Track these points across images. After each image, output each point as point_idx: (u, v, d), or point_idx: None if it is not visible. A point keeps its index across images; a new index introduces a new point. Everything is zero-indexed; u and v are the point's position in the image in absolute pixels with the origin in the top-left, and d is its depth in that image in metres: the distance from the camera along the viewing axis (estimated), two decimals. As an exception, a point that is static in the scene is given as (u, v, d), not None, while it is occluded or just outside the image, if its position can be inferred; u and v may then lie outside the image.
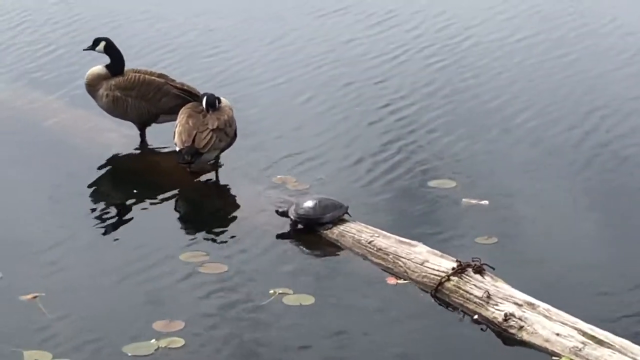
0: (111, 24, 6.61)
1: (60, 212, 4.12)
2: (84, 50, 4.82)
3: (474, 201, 4.01)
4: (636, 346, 3.20)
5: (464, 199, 4.04)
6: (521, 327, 3.29)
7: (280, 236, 3.90)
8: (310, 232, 3.88)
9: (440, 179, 4.36)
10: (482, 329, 3.31)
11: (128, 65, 4.77)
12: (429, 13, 6.76)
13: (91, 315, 3.40)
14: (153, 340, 3.11)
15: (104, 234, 4.01)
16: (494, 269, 3.43)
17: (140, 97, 4.47)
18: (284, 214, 3.88)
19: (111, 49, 4.55)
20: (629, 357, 3.21)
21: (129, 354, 3.08)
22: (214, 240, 3.90)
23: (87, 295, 3.55)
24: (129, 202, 4.27)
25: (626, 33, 6.37)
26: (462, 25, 6.52)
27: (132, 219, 4.14)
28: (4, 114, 4.96)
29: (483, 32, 6.37)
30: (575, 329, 3.25)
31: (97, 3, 7.15)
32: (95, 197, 4.30)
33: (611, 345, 3.21)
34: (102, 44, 4.56)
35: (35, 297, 3.36)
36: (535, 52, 6.02)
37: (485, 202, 4.01)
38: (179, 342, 3.15)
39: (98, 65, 4.71)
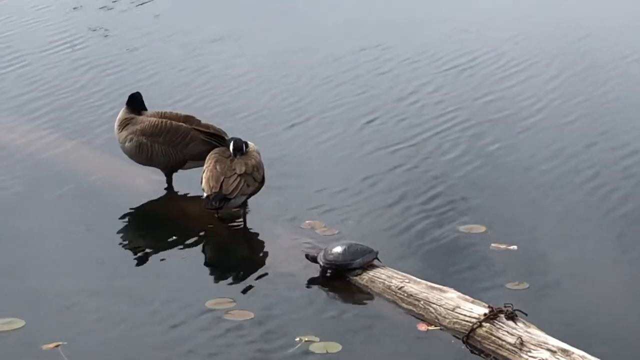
0: (137, 65, 6.48)
1: (87, 258, 4.08)
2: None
3: (503, 246, 3.97)
4: None
5: (493, 244, 3.99)
6: None
7: (309, 282, 3.84)
8: (340, 278, 3.83)
9: (470, 224, 4.30)
10: None
11: (153, 104, 4.67)
12: (456, 54, 6.58)
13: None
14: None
15: (131, 279, 3.95)
16: (526, 314, 3.38)
17: (167, 143, 4.35)
18: (313, 259, 3.84)
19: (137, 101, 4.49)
20: None
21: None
22: (241, 287, 3.85)
23: (111, 343, 3.53)
24: (156, 247, 4.23)
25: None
26: (491, 68, 6.38)
27: (158, 264, 4.11)
28: (29, 158, 4.92)
29: (512, 76, 6.20)
30: None
31: (121, 44, 6.98)
32: (122, 243, 4.26)
33: None
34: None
35: (57, 345, 3.36)
36: (566, 98, 5.89)
37: (514, 247, 3.98)
38: (205, 390, 3.05)
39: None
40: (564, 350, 3.27)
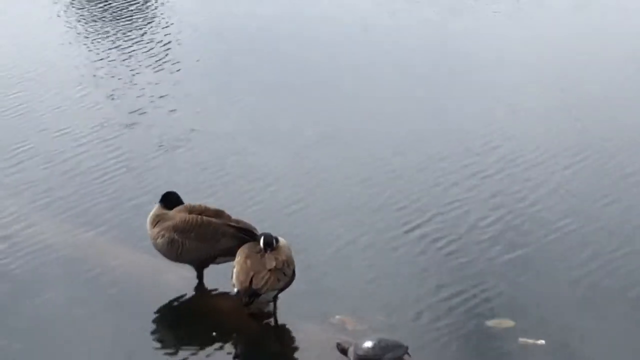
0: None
1: (118, 354, 3.95)
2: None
3: (530, 341, 3.85)
4: None
5: (520, 339, 3.87)
6: None
7: None
8: None
9: (498, 318, 4.14)
10: None
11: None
12: (473, 137, 6.32)
13: None
14: None
15: None
16: None
17: (199, 239, 4.19)
18: (344, 351, 3.72)
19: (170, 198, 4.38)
20: None
21: None
22: None
23: None
24: (186, 343, 4.07)
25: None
26: (511, 149, 6.09)
27: None
28: (63, 254, 4.78)
29: (535, 158, 5.94)
30: None
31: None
32: (153, 338, 4.11)
33: None
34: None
35: None
36: (593, 188, 5.61)
37: (542, 341, 3.86)
38: None
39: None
40: None
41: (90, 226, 5.13)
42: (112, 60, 8.63)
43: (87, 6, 11.66)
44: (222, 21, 9.97)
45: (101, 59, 8.60)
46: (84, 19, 10.90)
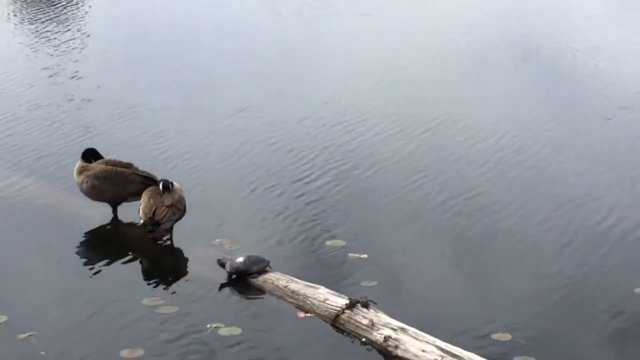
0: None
1: (52, 270, 4.75)
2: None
3: (357, 255, 4.71)
4: (480, 357, 3.81)
5: (349, 254, 4.76)
6: (396, 346, 3.88)
7: (220, 285, 4.46)
8: (242, 280, 4.50)
9: (334, 239, 5.06)
10: (367, 349, 3.93)
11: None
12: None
13: (69, 345, 4.00)
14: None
15: (83, 283, 4.66)
16: (376, 303, 4.05)
17: (114, 184, 5.04)
18: (222, 265, 4.50)
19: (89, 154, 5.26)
20: None
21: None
22: (168, 288, 4.51)
23: (68, 329, 4.16)
24: (103, 261, 4.87)
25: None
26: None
27: (105, 273, 4.77)
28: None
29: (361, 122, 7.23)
30: (435, 346, 3.84)
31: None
32: (77, 258, 4.95)
33: (461, 357, 3.78)
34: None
35: (30, 335, 3.96)
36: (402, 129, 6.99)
37: (365, 255, 4.76)
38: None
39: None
40: (402, 329, 3.92)
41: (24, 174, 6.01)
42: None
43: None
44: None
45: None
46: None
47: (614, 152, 6.68)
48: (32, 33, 10.64)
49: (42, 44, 10.07)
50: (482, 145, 6.77)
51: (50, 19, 11.28)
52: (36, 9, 11.95)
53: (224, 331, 3.99)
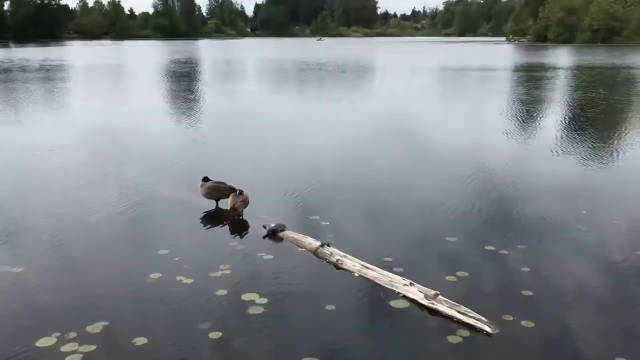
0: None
1: (191, 229, 7.63)
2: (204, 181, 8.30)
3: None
4: (376, 267, 5.95)
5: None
6: (342, 263, 6.22)
7: (263, 236, 7.21)
8: (274, 235, 7.18)
9: (313, 215, 8.01)
10: (328, 265, 6.14)
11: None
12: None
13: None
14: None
15: (206, 232, 7.57)
16: (330, 244, 6.50)
17: (215, 191, 8.10)
18: (264, 227, 7.10)
19: (205, 178, 8.14)
20: (378, 273, 6.00)
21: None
22: (240, 235, 7.64)
23: (198, 252, 6.67)
24: (213, 225, 7.88)
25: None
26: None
27: (214, 229, 7.73)
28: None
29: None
30: (359, 264, 6.16)
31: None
32: (200, 223, 7.99)
33: (369, 267, 6.03)
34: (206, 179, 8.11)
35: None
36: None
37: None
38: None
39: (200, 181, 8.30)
40: (344, 255, 6.25)
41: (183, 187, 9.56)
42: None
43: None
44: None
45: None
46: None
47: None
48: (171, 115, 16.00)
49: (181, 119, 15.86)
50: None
51: (184, 109, 18.13)
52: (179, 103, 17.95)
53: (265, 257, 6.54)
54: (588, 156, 11.95)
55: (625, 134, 14.92)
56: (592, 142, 13.61)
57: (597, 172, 10.72)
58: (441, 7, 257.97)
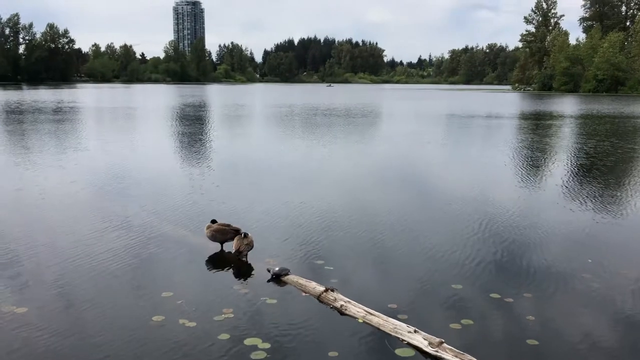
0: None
1: (196, 269, 7.75)
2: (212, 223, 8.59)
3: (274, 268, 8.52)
4: (382, 314, 5.85)
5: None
6: (346, 308, 6.16)
7: (267, 280, 7.23)
8: (277, 279, 7.12)
9: (319, 260, 8.18)
10: (332, 310, 6.06)
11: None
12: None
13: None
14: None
15: (211, 273, 7.56)
16: (336, 290, 6.53)
17: (221, 234, 8.37)
18: (269, 271, 7.14)
19: (212, 220, 8.63)
20: (382, 319, 5.93)
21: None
22: (245, 279, 7.67)
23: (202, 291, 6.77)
24: (218, 267, 7.89)
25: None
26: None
27: (218, 272, 7.72)
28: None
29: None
30: (364, 310, 6.10)
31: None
32: (204, 265, 8.08)
33: (374, 314, 5.92)
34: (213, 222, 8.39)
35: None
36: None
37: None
38: None
39: (209, 222, 8.70)
40: (348, 301, 6.23)
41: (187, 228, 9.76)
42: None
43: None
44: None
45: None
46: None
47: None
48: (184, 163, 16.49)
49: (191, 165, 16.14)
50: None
51: (194, 153, 18.61)
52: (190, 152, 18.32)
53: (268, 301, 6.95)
54: (598, 205, 12.11)
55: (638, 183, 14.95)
56: (603, 190, 13.73)
57: (606, 221, 10.87)
58: (447, 55, 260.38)
